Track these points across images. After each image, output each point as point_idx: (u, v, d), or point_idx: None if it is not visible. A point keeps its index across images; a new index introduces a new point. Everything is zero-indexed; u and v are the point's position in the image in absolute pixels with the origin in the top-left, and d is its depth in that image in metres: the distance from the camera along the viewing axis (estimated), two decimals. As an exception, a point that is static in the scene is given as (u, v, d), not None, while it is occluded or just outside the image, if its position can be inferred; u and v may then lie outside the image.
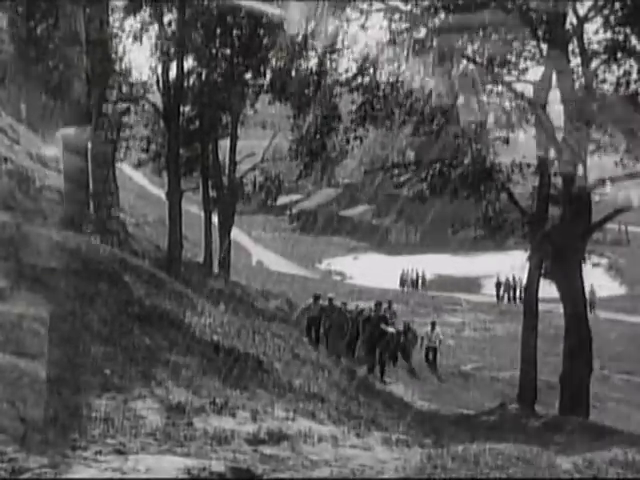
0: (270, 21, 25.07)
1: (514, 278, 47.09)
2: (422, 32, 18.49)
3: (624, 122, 17.30)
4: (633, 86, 17.46)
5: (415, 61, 18.73)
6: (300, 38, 21.34)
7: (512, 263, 45.76)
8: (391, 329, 20.11)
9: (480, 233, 20.90)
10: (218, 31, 28.00)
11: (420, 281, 53.39)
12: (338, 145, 27.04)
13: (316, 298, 21.28)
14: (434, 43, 18.29)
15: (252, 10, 24.29)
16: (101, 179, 21.71)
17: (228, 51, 28.47)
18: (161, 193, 46.39)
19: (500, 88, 18.95)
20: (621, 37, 16.97)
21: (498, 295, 48.46)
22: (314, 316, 20.61)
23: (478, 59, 18.39)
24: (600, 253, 43.47)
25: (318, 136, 25.43)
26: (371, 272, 55.67)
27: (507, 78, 18.72)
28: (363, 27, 19.72)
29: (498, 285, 49.25)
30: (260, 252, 66.04)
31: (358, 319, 20.95)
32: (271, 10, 22.48)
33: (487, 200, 19.57)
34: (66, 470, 4.37)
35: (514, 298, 46.67)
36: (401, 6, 18.63)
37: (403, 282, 53.58)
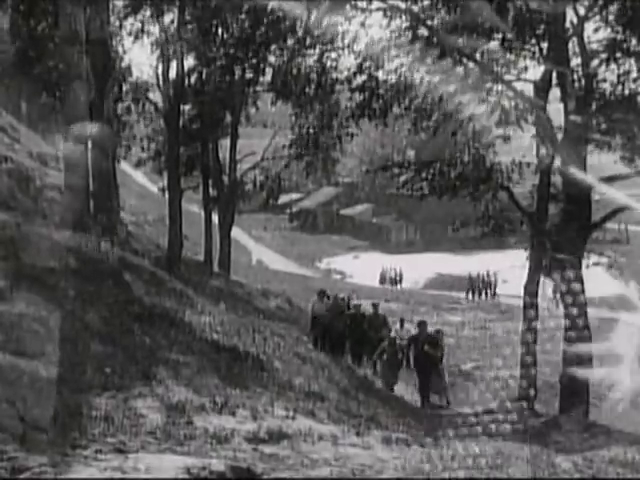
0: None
1: (488, 275, 48.73)
2: (422, 30, 18.49)
3: (623, 121, 17.31)
4: (632, 85, 17.47)
5: (415, 58, 18.74)
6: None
7: (512, 262, 45.98)
8: (439, 353, 18.37)
9: (480, 232, 20.85)
10: (218, 30, 28.02)
11: (398, 279, 53.97)
12: (334, 141, 27.12)
13: (322, 294, 20.39)
14: (434, 40, 18.31)
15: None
16: (101, 178, 21.67)
17: (228, 50, 28.49)
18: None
19: (500, 87, 18.93)
20: (621, 37, 16.98)
21: (468, 291, 49.05)
22: (321, 315, 19.54)
23: (478, 57, 18.38)
24: (600, 252, 43.51)
25: (313, 131, 25.49)
26: (371, 271, 55.65)
27: (507, 77, 18.71)
28: (363, 25, 19.75)
29: (470, 280, 49.80)
30: (260, 251, 66.03)
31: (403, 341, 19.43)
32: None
33: (487, 199, 19.57)
34: (66, 469, 4.37)
35: (485, 294, 48.08)
36: (401, 5, 18.62)
37: (382, 280, 54.25)
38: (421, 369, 18.17)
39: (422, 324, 19.19)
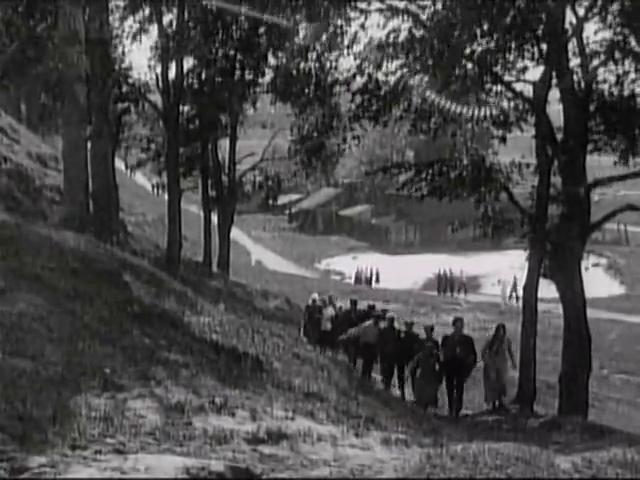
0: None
1: (451, 272, 51.70)
2: (421, 31, 18.50)
3: (623, 122, 17.33)
4: (632, 86, 17.51)
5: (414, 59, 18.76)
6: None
7: (512, 262, 46.08)
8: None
9: (479, 233, 20.85)
10: (218, 30, 28.04)
11: (374, 278, 55.20)
12: (336, 144, 27.16)
13: (378, 318, 18.44)
14: (434, 41, 18.32)
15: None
16: (101, 178, 21.68)
17: (228, 50, 28.52)
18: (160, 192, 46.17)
19: (499, 87, 18.95)
20: (620, 37, 17.00)
21: (441, 287, 51.59)
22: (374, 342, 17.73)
23: (477, 58, 18.38)
24: (599, 253, 43.61)
25: (316, 134, 25.51)
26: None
27: (506, 77, 18.72)
28: (363, 27, 19.76)
29: (439, 277, 52.35)
30: (259, 251, 66.09)
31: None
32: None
33: (487, 200, 19.57)
34: (65, 469, 4.37)
35: (451, 290, 50.57)
36: (399, 5, 18.63)
37: (358, 279, 55.44)
38: (451, 374, 16.28)
39: (458, 321, 17.22)
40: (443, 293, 50.66)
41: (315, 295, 21.94)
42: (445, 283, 51.63)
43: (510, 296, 45.74)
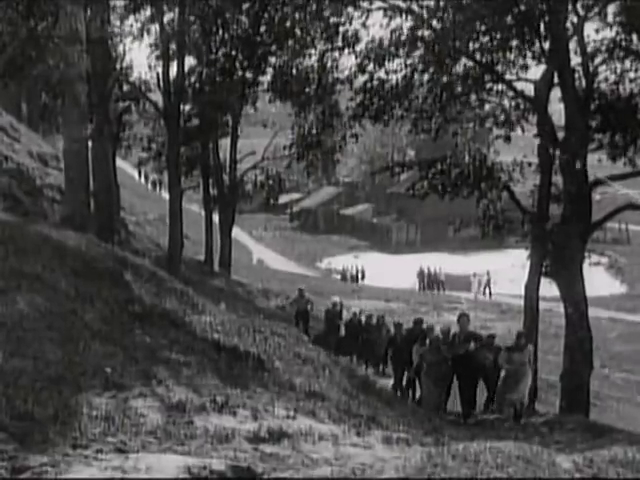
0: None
1: (435, 270, 52.54)
2: (423, 30, 18.50)
3: (623, 121, 17.33)
4: (632, 85, 17.51)
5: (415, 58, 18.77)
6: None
7: (512, 262, 46.12)
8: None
9: (481, 232, 20.84)
10: (218, 29, 28.05)
11: (360, 275, 55.85)
12: (335, 142, 27.18)
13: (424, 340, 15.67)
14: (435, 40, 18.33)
15: None
16: (101, 178, 21.68)
17: (228, 50, 28.52)
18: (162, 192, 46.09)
19: (500, 86, 18.96)
20: (621, 36, 17.00)
21: (421, 284, 52.51)
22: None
23: (478, 56, 18.39)
24: (600, 252, 43.68)
25: (315, 131, 25.52)
26: (371, 271, 55.68)
27: (507, 76, 18.73)
28: (364, 25, 19.79)
29: (421, 275, 53.19)
30: (261, 250, 66.07)
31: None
32: None
33: (488, 199, 19.58)
34: (66, 469, 4.37)
35: (432, 287, 51.51)
36: (401, 4, 18.63)
37: (344, 277, 56.02)
38: (462, 375, 14.52)
39: (463, 317, 15.70)
40: (423, 290, 51.31)
41: (336, 299, 21.54)
42: (427, 280, 52.19)
43: (484, 292, 48.90)
